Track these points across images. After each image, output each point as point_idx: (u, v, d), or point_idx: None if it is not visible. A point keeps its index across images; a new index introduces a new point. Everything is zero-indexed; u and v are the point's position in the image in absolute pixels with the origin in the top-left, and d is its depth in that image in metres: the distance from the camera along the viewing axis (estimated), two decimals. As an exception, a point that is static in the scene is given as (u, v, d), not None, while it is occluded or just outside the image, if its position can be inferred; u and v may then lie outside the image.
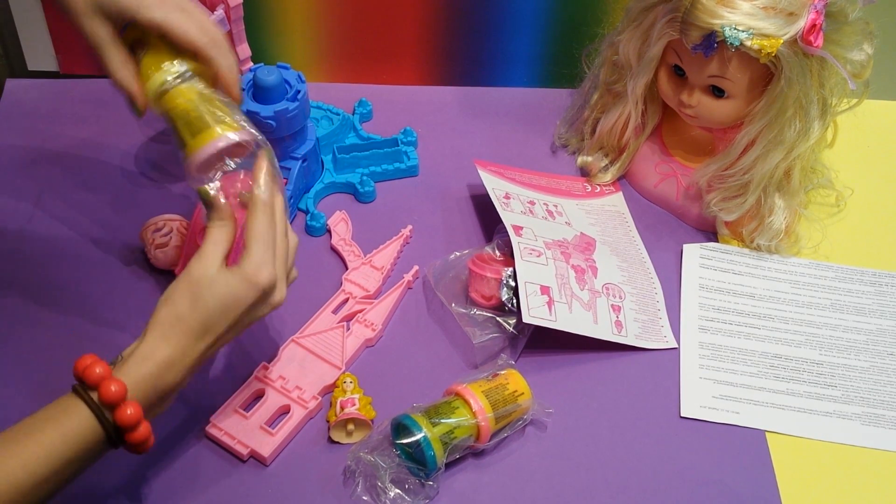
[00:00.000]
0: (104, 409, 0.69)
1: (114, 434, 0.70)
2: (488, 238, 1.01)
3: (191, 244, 0.94)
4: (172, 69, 0.78)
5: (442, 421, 0.82)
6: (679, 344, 0.95)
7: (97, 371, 0.70)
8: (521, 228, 0.97)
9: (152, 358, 0.72)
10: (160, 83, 0.77)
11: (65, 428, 0.69)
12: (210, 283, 0.73)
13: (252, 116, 0.95)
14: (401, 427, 0.82)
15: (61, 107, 1.15)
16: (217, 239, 0.76)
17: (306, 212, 1.04)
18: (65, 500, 0.80)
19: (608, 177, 1.09)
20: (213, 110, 0.77)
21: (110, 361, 0.72)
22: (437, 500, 0.82)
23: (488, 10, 1.14)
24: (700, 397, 0.91)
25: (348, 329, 0.93)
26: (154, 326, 0.73)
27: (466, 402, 0.84)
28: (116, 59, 0.78)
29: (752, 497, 0.85)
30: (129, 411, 0.70)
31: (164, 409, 0.75)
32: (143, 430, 0.71)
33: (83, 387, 0.70)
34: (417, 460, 0.82)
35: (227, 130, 0.76)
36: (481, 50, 1.18)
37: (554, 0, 1.13)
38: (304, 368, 0.90)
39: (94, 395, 0.69)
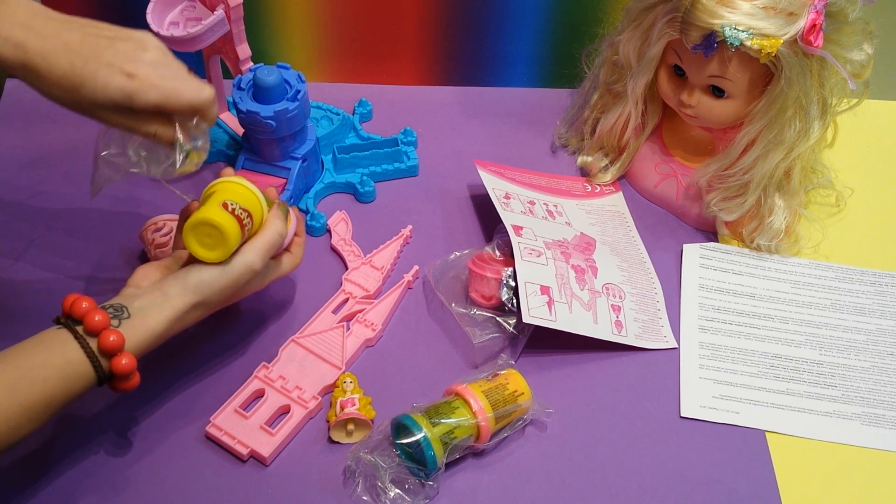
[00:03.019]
0: (101, 358, 0.74)
1: (108, 383, 0.76)
2: (488, 238, 1.01)
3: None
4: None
5: (442, 421, 0.82)
6: (679, 344, 0.95)
7: (96, 318, 0.74)
8: (521, 228, 0.97)
9: (162, 337, 0.78)
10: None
11: (68, 377, 0.73)
12: (209, 291, 0.81)
13: (252, 116, 0.95)
14: (401, 427, 0.82)
15: (61, 107, 1.14)
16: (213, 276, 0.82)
17: (306, 212, 1.04)
18: (65, 499, 0.81)
19: (608, 177, 1.09)
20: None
21: (111, 310, 0.76)
22: (437, 500, 0.82)
23: (488, 10, 1.14)
24: (700, 397, 0.91)
25: (348, 329, 0.93)
26: (181, 304, 0.78)
27: (466, 402, 0.84)
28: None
29: (752, 497, 0.85)
30: (124, 361, 0.75)
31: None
32: (134, 379, 0.76)
33: (75, 325, 0.74)
34: (417, 460, 0.82)
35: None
36: (481, 50, 1.18)
37: (554, 0, 1.13)
38: (304, 368, 0.90)
39: (105, 362, 0.74)
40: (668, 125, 1.07)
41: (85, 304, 0.74)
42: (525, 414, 0.86)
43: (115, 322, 0.75)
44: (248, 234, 0.82)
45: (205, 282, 0.79)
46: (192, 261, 0.81)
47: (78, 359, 0.73)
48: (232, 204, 0.80)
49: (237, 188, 0.83)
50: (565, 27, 1.15)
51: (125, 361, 0.74)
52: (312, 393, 0.88)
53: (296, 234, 0.90)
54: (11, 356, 0.72)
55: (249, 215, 0.81)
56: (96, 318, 0.74)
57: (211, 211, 0.79)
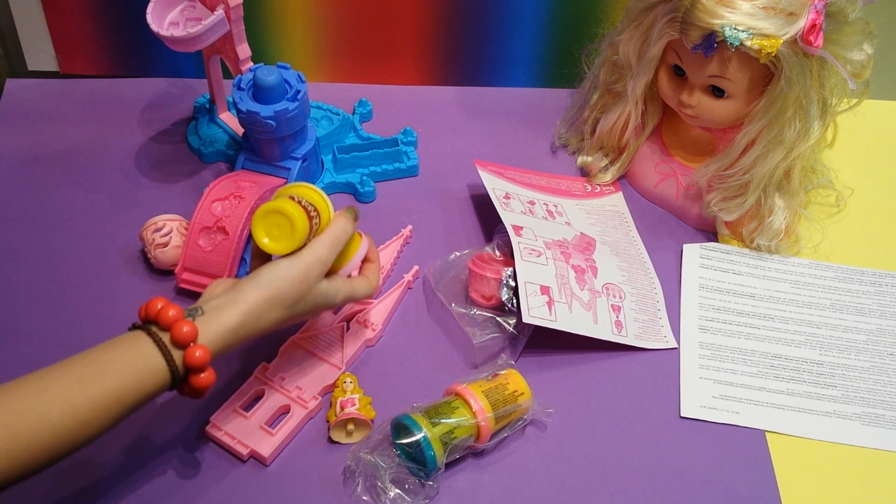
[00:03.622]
0: (182, 369, 0.73)
1: (183, 391, 0.75)
2: (488, 238, 1.01)
3: (191, 244, 0.94)
4: None
5: (442, 421, 0.82)
6: (679, 344, 0.95)
7: (184, 329, 0.73)
8: (521, 228, 0.97)
9: (239, 333, 0.77)
10: None
11: (141, 378, 0.71)
12: (317, 289, 0.81)
13: (252, 116, 0.95)
14: (401, 427, 0.82)
15: (61, 107, 1.15)
16: (336, 247, 0.83)
17: (306, 212, 1.04)
18: (66, 498, 0.81)
19: (608, 177, 1.09)
20: None
21: (188, 311, 0.75)
22: (437, 500, 0.82)
23: (488, 10, 1.14)
24: (700, 397, 0.91)
25: (348, 329, 0.93)
26: (254, 299, 0.77)
27: (466, 402, 0.84)
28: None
29: (752, 497, 0.85)
30: (204, 375, 0.74)
31: None
32: (209, 376, 0.75)
33: (163, 339, 0.73)
34: (417, 460, 0.82)
35: None
36: (481, 50, 1.17)
37: (554, 0, 1.13)
38: (304, 368, 0.90)
39: (177, 355, 0.73)
40: (668, 125, 1.07)
41: (160, 304, 0.74)
42: (525, 414, 0.86)
43: (188, 318, 0.74)
44: (315, 231, 0.82)
45: (275, 274, 0.79)
46: (265, 263, 0.81)
47: (149, 352, 0.72)
48: (300, 198, 0.82)
49: (305, 189, 0.85)
50: (565, 27, 1.15)
51: (199, 353, 0.72)
52: (312, 393, 0.88)
53: (369, 261, 0.89)
54: (86, 354, 0.71)
55: (317, 211, 0.82)
56: (170, 314, 0.73)
57: (281, 202, 0.80)
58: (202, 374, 0.74)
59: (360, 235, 0.87)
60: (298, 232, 0.80)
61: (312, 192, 0.84)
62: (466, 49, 1.17)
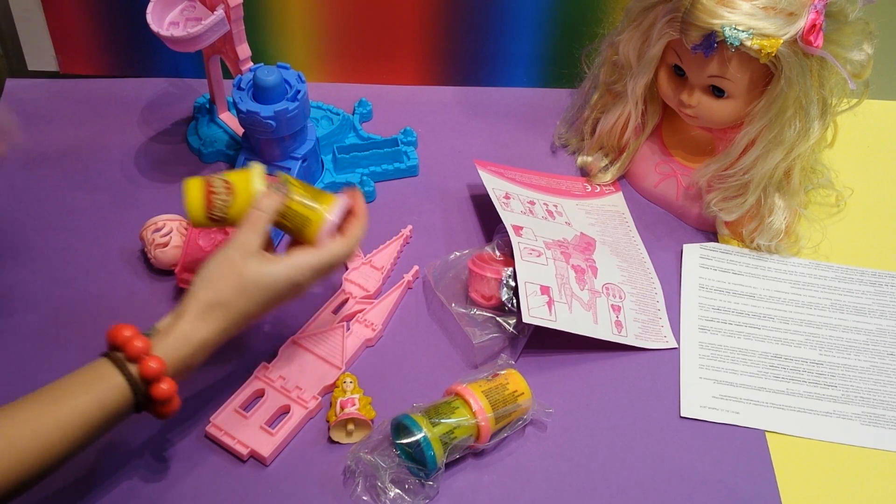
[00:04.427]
0: (140, 383, 0.73)
1: (147, 407, 0.75)
2: (488, 238, 1.01)
3: (191, 244, 0.94)
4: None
5: (442, 421, 0.82)
6: (679, 344, 0.95)
7: (138, 345, 0.73)
8: (521, 228, 0.97)
9: (191, 339, 0.76)
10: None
11: (101, 396, 0.72)
12: (257, 276, 0.78)
13: (252, 116, 0.95)
14: (401, 427, 0.82)
15: (61, 107, 1.15)
16: (256, 228, 0.80)
17: (306, 212, 1.03)
18: (64, 497, 0.81)
19: (608, 177, 1.09)
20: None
21: (144, 332, 0.75)
22: (437, 500, 0.82)
23: (488, 10, 1.14)
24: (700, 397, 0.91)
25: (348, 329, 0.93)
26: (194, 306, 0.76)
27: (466, 402, 0.84)
28: None
29: (752, 497, 0.85)
30: (164, 386, 0.74)
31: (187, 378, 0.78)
32: (174, 404, 0.75)
33: (120, 357, 0.73)
34: (417, 460, 0.82)
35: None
36: (481, 50, 1.17)
37: (554, 0, 1.13)
38: (304, 368, 0.90)
39: (133, 368, 0.73)
40: (668, 125, 1.07)
41: (115, 327, 0.74)
42: (525, 414, 0.86)
43: (145, 335, 0.75)
44: (223, 207, 0.82)
45: (201, 275, 0.78)
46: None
47: (107, 370, 0.73)
48: (219, 177, 0.83)
49: (241, 172, 0.84)
50: (565, 27, 1.15)
51: (154, 364, 0.73)
52: (312, 393, 0.88)
53: (353, 216, 0.84)
54: (51, 383, 0.73)
55: (229, 189, 0.82)
56: (125, 333, 0.74)
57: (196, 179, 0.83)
58: (162, 386, 0.74)
59: (334, 196, 0.84)
60: (190, 208, 0.81)
61: (241, 172, 0.83)
62: (466, 49, 1.17)
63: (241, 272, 0.77)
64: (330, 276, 0.83)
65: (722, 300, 0.99)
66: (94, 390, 0.72)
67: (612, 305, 0.96)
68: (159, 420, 0.78)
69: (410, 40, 1.17)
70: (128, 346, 0.73)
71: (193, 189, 0.82)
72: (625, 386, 0.92)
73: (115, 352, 0.74)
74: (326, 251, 0.81)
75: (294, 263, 0.79)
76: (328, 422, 0.87)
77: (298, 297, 0.81)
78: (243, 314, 0.78)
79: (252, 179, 0.82)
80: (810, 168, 1.04)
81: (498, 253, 0.96)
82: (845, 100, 0.99)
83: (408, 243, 1.02)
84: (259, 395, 0.88)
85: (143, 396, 0.74)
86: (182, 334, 0.75)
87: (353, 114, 1.13)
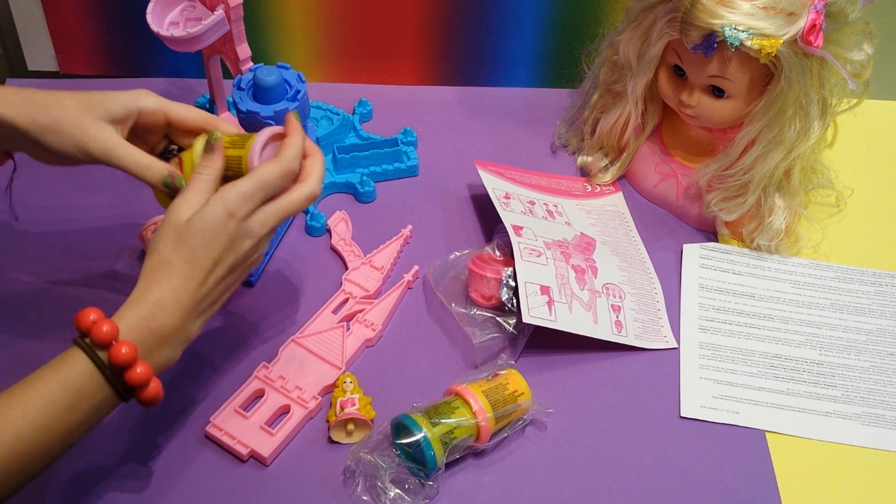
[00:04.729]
0: (98, 350, 0.70)
1: (113, 377, 0.71)
2: (488, 238, 1.01)
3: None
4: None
5: (442, 421, 0.82)
6: (679, 344, 0.95)
7: (91, 317, 0.71)
8: (521, 228, 0.97)
9: (142, 300, 0.73)
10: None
11: (61, 374, 0.70)
12: (189, 221, 0.75)
13: (252, 116, 0.95)
14: (401, 427, 0.82)
15: (61, 107, 1.15)
16: (199, 188, 0.78)
17: (306, 212, 1.04)
18: (64, 498, 0.81)
19: (608, 177, 1.09)
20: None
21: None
22: (437, 500, 0.82)
23: (488, 10, 1.14)
24: (700, 397, 0.91)
25: (348, 329, 0.93)
26: (142, 275, 0.75)
27: (466, 402, 0.84)
28: (131, 154, 0.81)
29: (752, 497, 0.85)
30: (124, 350, 0.70)
31: (171, 356, 0.75)
32: (144, 371, 0.71)
33: (80, 335, 0.72)
34: (417, 460, 0.82)
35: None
36: (481, 50, 1.18)
37: (554, 0, 1.13)
38: (304, 368, 0.90)
39: (103, 355, 0.71)
40: (668, 125, 1.07)
41: (81, 311, 0.72)
42: (525, 414, 0.86)
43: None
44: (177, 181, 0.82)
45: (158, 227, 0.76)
46: None
47: (74, 354, 0.71)
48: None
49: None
50: (565, 27, 1.15)
51: (106, 329, 0.70)
52: (312, 393, 0.88)
53: (286, 139, 0.81)
54: (27, 381, 0.70)
55: (178, 160, 0.83)
56: (90, 318, 0.71)
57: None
58: (137, 370, 0.71)
59: (251, 135, 0.82)
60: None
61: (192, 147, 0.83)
62: (466, 49, 1.18)
63: (175, 225, 0.75)
64: (283, 210, 0.79)
65: (722, 300, 0.99)
66: (55, 370, 0.70)
67: (612, 305, 0.96)
68: (148, 409, 0.76)
69: (410, 40, 1.17)
70: (80, 319, 0.71)
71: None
72: (625, 386, 0.92)
73: (82, 338, 0.71)
74: (254, 174, 0.77)
75: (221, 195, 0.76)
76: (328, 422, 0.87)
77: (254, 238, 0.77)
78: (191, 263, 0.74)
79: (195, 148, 0.82)
80: (810, 168, 1.04)
81: (498, 253, 0.96)
82: (845, 100, 0.99)
83: (408, 243, 1.02)
84: (259, 395, 0.88)
85: (107, 367, 0.71)
86: (132, 299, 0.73)
87: (353, 114, 1.13)
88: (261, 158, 0.80)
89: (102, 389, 0.71)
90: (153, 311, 0.73)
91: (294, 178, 0.80)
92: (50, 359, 0.89)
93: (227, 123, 0.85)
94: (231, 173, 0.81)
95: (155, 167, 0.81)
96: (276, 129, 0.83)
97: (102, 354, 0.71)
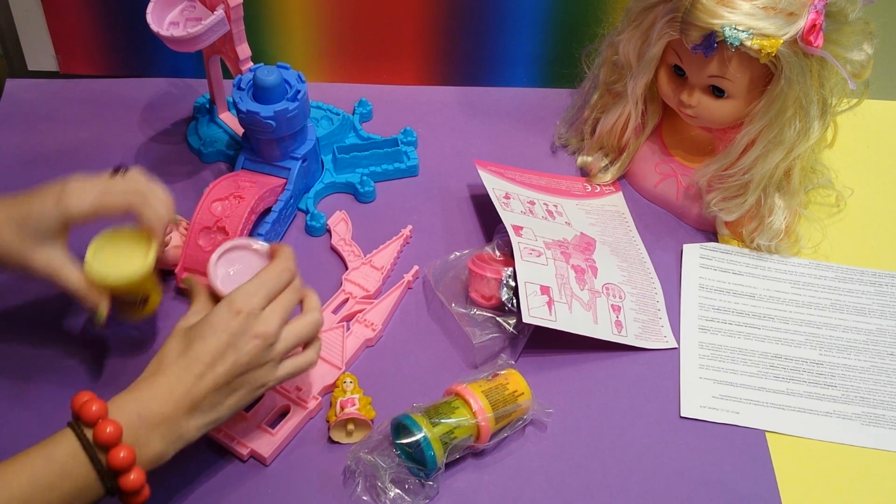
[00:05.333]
0: (85, 429, 0.69)
1: (96, 458, 0.69)
2: (488, 238, 1.01)
3: (191, 244, 0.94)
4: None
5: (442, 421, 0.82)
6: (679, 344, 0.95)
7: (83, 399, 0.70)
8: (521, 228, 0.97)
9: (136, 388, 0.73)
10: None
11: (48, 450, 0.69)
12: (195, 323, 0.76)
13: (252, 116, 0.95)
14: (401, 427, 0.82)
15: (61, 107, 1.15)
16: (206, 301, 0.81)
17: (306, 212, 1.04)
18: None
19: (608, 177, 1.09)
20: None
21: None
22: (437, 500, 0.82)
23: (488, 10, 1.14)
24: (700, 397, 0.91)
25: (348, 329, 0.93)
26: (144, 371, 0.75)
27: (466, 402, 0.84)
28: (74, 274, 0.81)
29: (752, 497, 0.85)
30: (108, 429, 0.69)
31: (161, 450, 0.72)
32: (127, 456, 0.69)
33: (77, 422, 0.70)
34: (417, 460, 0.82)
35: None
36: (481, 50, 1.18)
37: (554, 0, 1.13)
38: (304, 368, 0.90)
39: (89, 433, 0.69)
40: (668, 125, 1.07)
41: (85, 398, 0.70)
42: (525, 414, 0.86)
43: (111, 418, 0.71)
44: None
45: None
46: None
47: (62, 430, 0.70)
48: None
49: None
50: (565, 27, 1.15)
51: (95, 408, 0.69)
52: (312, 393, 0.88)
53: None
54: (16, 455, 0.69)
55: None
56: (93, 409, 0.69)
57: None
58: (121, 453, 0.69)
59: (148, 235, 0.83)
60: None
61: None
62: (466, 49, 1.17)
63: (182, 329, 0.76)
64: (294, 332, 0.78)
65: (722, 300, 0.99)
66: (46, 450, 0.68)
67: (612, 305, 0.96)
68: None
69: (410, 40, 1.17)
70: (83, 409, 0.69)
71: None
72: (625, 386, 0.92)
73: (75, 420, 0.70)
74: (255, 276, 0.78)
75: (226, 297, 0.76)
76: (328, 422, 0.87)
77: (260, 338, 0.75)
78: (188, 356, 0.73)
79: (88, 260, 0.83)
80: (810, 168, 1.04)
81: (498, 253, 0.96)
82: (845, 100, 0.99)
83: (408, 243, 1.02)
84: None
85: (100, 465, 0.69)
86: (130, 389, 0.72)
87: (353, 114, 1.13)
88: (216, 268, 0.82)
89: (85, 471, 0.69)
90: (145, 399, 0.72)
91: (293, 275, 0.79)
92: (50, 359, 0.90)
93: (153, 202, 0.82)
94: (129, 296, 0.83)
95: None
96: (230, 243, 0.84)
97: (89, 433, 0.69)
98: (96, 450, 0.69)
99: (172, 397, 0.72)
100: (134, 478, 0.70)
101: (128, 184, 0.81)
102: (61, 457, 0.69)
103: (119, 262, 0.81)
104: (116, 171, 0.83)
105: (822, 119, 0.94)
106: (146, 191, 0.81)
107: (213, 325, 0.74)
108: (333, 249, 1.01)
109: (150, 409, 0.71)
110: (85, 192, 0.78)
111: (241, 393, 0.76)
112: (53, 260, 0.79)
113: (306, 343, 0.81)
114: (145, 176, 0.83)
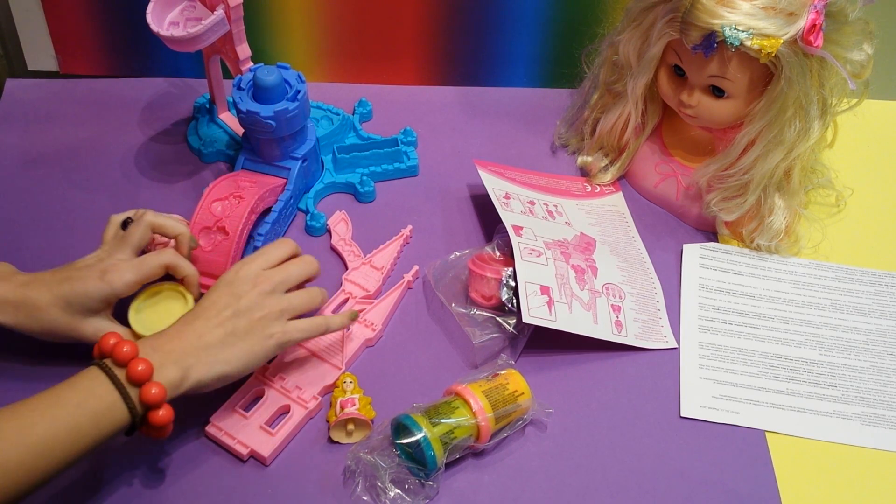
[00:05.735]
0: (129, 387, 0.74)
1: (139, 415, 0.75)
2: (488, 238, 1.01)
3: (191, 244, 0.94)
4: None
5: (442, 421, 0.82)
6: (679, 344, 0.95)
7: (125, 349, 0.75)
8: (521, 228, 0.97)
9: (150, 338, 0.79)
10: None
11: (98, 416, 0.73)
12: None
13: (252, 116, 0.95)
14: (401, 427, 0.82)
15: (61, 107, 1.15)
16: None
17: (306, 212, 1.04)
18: (64, 497, 0.81)
19: (608, 177, 1.09)
20: None
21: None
22: (437, 500, 0.82)
23: (488, 10, 1.14)
24: (700, 397, 0.91)
25: (348, 329, 0.93)
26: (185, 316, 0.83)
27: (466, 402, 0.84)
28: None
29: (752, 497, 0.85)
30: (154, 390, 0.74)
31: (178, 381, 0.77)
32: (166, 413, 0.76)
33: (121, 380, 0.74)
34: (417, 460, 0.82)
35: None
36: (481, 50, 1.17)
37: (554, 0, 1.13)
38: (304, 368, 0.90)
39: (121, 374, 0.74)
40: (668, 125, 1.07)
41: (113, 340, 0.76)
42: (525, 414, 0.86)
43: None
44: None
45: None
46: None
47: (106, 390, 0.74)
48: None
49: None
50: (565, 27, 1.15)
51: (154, 391, 0.74)
52: (312, 393, 0.88)
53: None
54: (44, 393, 0.73)
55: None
56: (124, 350, 0.75)
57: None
58: (160, 412, 0.75)
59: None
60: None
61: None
62: (466, 49, 1.17)
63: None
64: (283, 272, 0.85)
65: (722, 300, 0.99)
66: (92, 412, 0.73)
67: (612, 305, 0.96)
68: (156, 437, 0.78)
69: (410, 40, 1.17)
70: (130, 367, 0.74)
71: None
72: (625, 386, 0.92)
73: (112, 366, 0.75)
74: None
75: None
76: (328, 422, 0.87)
77: (252, 286, 0.83)
78: (194, 310, 0.82)
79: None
80: (810, 168, 1.04)
81: (498, 253, 0.96)
82: (845, 100, 0.98)
83: (408, 243, 1.02)
84: (259, 395, 0.88)
85: (136, 407, 0.75)
86: (146, 341, 0.78)
87: (353, 114, 1.13)
88: None
89: (118, 407, 0.74)
90: (160, 341, 0.79)
91: (292, 251, 0.88)
92: (50, 358, 0.90)
93: (182, 254, 0.89)
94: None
95: None
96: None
97: (119, 373, 0.74)
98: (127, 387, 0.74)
99: (183, 335, 0.79)
100: (163, 413, 0.75)
101: (160, 256, 0.87)
102: (109, 426, 0.73)
103: (161, 318, 0.86)
104: (125, 224, 0.89)
105: (822, 119, 0.94)
106: (174, 254, 0.88)
107: (218, 283, 0.84)
108: (333, 249, 1.01)
109: (165, 346, 0.78)
110: (125, 270, 0.84)
111: (252, 342, 0.81)
112: (102, 329, 0.84)
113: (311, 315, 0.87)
114: (157, 217, 0.89)
